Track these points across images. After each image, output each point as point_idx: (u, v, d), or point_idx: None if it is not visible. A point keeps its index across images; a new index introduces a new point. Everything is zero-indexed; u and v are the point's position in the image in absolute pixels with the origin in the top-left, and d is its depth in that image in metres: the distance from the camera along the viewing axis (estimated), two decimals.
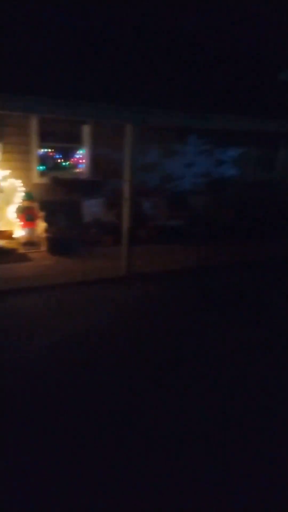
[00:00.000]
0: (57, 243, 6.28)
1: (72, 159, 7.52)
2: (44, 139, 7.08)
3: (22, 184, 6.52)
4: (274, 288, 5.66)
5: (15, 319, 4.26)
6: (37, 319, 4.28)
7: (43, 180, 7.11)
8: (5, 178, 6.38)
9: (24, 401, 2.93)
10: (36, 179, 7.03)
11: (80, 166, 7.57)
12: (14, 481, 2.24)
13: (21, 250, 6.21)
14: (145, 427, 2.73)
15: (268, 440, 2.68)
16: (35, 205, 6.69)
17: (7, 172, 6.42)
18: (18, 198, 6.48)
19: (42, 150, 7.15)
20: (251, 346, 3.96)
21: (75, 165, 7.56)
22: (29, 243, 6.44)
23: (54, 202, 6.81)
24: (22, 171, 6.75)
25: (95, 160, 7.50)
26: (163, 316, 4.58)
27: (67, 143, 7.40)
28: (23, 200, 6.55)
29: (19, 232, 6.41)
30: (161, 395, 3.10)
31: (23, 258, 6.02)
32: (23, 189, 6.54)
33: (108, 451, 2.49)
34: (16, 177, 6.49)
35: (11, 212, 6.44)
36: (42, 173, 7.17)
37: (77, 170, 7.57)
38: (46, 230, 6.39)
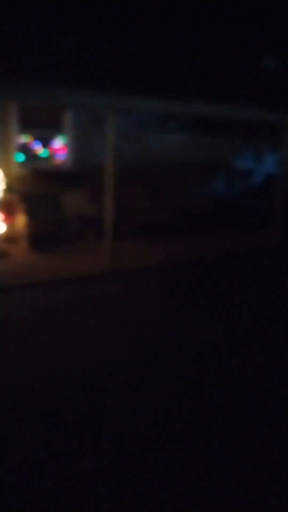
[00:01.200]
0: (38, 239, 6.01)
1: (52, 149, 7.20)
2: (24, 128, 6.75)
3: (1, 175, 6.18)
4: (261, 279, 5.49)
5: None
6: (7, 321, 4.03)
7: (22, 171, 6.79)
8: None
9: None
10: (15, 170, 6.71)
11: (61, 156, 7.25)
12: None
13: None
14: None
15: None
16: (15, 198, 6.38)
17: None
18: None
19: (22, 139, 6.82)
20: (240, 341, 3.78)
21: (56, 155, 7.24)
22: (8, 238, 6.14)
23: (34, 194, 6.51)
24: (0, 162, 6.42)
25: (76, 150, 7.19)
26: (144, 313, 4.37)
27: (47, 132, 7.07)
28: (3, 192, 6.22)
29: None
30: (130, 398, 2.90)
31: (0, 254, 5.73)
32: (3, 180, 6.21)
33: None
34: None
35: None
36: (21, 164, 6.85)
37: (58, 161, 7.25)
38: (26, 225, 6.10)
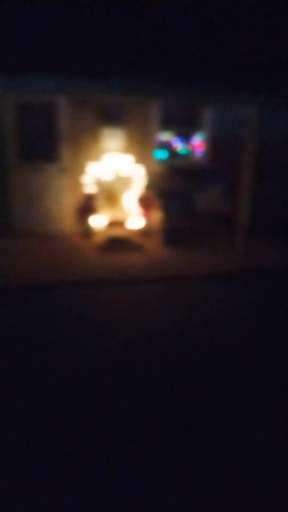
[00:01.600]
0: (172, 234, 6.20)
1: (191, 146, 7.27)
2: (164, 125, 6.97)
3: (142, 171, 6.50)
4: None
5: (109, 310, 4.28)
6: (131, 312, 4.24)
7: (161, 168, 7.03)
8: (126, 165, 6.41)
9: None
10: (154, 166, 6.98)
11: (199, 153, 7.28)
12: None
13: (135, 240, 6.27)
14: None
15: None
16: (153, 193, 6.66)
17: (129, 158, 6.46)
18: (138, 186, 6.49)
19: (161, 136, 7.05)
20: None
21: (194, 152, 7.29)
22: (144, 233, 6.46)
23: (171, 191, 6.69)
24: (140, 158, 6.74)
25: (214, 146, 7.13)
26: (278, 318, 4.12)
27: (186, 129, 7.16)
28: (143, 188, 6.55)
29: (135, 221, 6.46)
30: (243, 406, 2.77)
31: (136, 248, 6.09)
32: (143, 176, 6.53)
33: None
34: (135, 164, 6.52)
35: (129, 200, 6.50)
36: (160, 160, 7.09)
37: (196, 157, 7.30)
38: (162, 220, 6.33)
